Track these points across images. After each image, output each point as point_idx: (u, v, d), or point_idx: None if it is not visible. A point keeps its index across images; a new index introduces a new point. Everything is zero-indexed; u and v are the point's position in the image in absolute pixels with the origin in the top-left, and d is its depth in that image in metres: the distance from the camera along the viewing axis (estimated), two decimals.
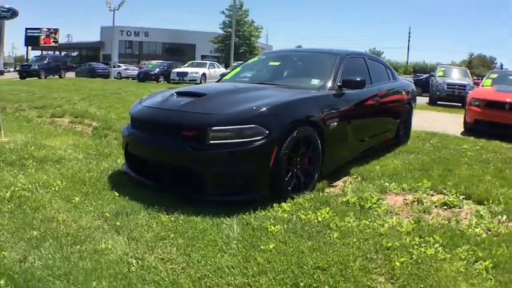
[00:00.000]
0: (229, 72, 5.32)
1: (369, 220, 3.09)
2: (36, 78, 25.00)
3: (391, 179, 4.17)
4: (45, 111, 8.72)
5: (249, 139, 3.12)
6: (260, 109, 3.35)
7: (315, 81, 4.37)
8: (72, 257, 2.44)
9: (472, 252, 2.62)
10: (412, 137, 6.57)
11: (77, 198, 3.40)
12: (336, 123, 3.99)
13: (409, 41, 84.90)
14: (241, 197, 3.23)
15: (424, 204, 3.55)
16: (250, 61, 5.80)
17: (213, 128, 3.14)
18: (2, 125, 5.73)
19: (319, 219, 3.07)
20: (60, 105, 9.53)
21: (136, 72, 28.86)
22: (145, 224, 2.93)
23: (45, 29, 37.39)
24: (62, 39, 47.61)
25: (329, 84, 4.25)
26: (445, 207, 3.51)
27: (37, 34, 37.73)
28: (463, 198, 3.72)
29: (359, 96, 4.56)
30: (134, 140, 3.80)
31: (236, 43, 41.39)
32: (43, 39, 36.22)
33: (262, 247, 2.59)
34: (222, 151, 3.14)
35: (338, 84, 4.25)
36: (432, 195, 3.83)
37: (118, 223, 2.93)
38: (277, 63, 5.13)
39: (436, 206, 3.52)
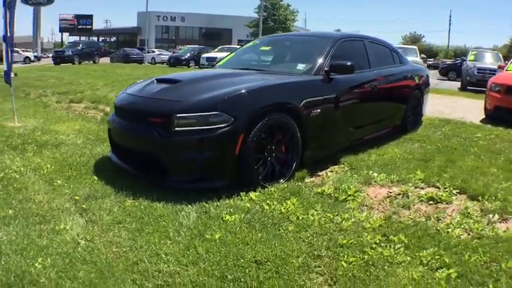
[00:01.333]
0: (224, 58, 5.22)
1: (335, 214, 2.85)
2: (70, 64, 25.43)
3: (382, 169, 3.85)
4: (65, 96, 8.94)
5: (213, 126, 3.05)
6: (225, 96, 3.25)
7: (300, 66, 4.13)
8: (32, 235, 2.55)
9: (438, 257, 2.30)
10: (425, 124, 6.13)
11: (59, 182, 3.49)
12: (320, 110, 3.76)
13: (450, 24, 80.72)
14: (205, 184, 3.16)
15: (409, 198, 3.22)
16: (245, 46, 5.57)
17: (178, 115, 3.10)
18: (17, 111, 6.03)
19: (282, 210, 2.89)
20: (82, 91, 9.76)
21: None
22: (108, 208, 2.96)
23: (79, 15, 38.58)
24: (100, 24, 49.37)
25: (315, 69, 4.00)
26: (431, 202, 3.16)
27: (70, 20, 38.99)
28: (456, 193, 3.34)
29: (352, 81, 4.26)
30: (114, 126, 3.83)
31: (271, 27, 41.05)
32: (76, 25, 37.45)
33: (208, 236, 2.51)
34: (187, 138, 3.10)
35: (325, 69, 3.98)
36: (422, 188, 3.47)
37: (84, 206, 2.99)
38: (267, 48, 4.98)
39: (420, 201, 3.18)
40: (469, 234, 2.67)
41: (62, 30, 42.47)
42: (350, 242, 2.46)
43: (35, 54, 35.41)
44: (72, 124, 5.96)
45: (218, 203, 3.01)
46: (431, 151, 4.65)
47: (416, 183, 3.58)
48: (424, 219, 2.84)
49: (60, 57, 26.33)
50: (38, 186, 3.40)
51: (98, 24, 47.25)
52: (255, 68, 4.37)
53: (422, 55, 18.60)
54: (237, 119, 3.11)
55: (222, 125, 3.06)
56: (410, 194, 3.35)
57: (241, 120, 3.12)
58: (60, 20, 37.52)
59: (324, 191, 3.33)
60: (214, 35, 52.93)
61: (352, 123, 4.39)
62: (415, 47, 17.61)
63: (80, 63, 26.42)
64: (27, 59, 32.72)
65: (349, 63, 3.95)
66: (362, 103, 4.51)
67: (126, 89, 4.24)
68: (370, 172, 3.81)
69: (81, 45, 28.86)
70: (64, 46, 31.52)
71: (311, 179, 3.71)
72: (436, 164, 4.10)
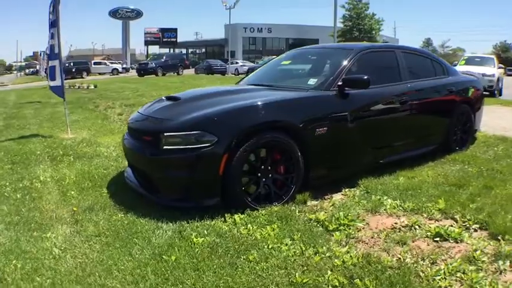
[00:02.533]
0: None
1: (310, 245, 2.57)
2: (154, 75, 26.57)
3: (400, 195, 3.43)
4: (130, 109, 9.48)
5: (196, 146, 3.01)
6: (209, 115, 3.18)
7: (312, 81, 3.86)
8: (22, 240, 2.74)
9: None
10: (478, 141, 5.40)
11: (72, 192, 3.67)
12: (327, 128, 3.47)
13: None
14: (191, 203, 3.11)
15: (415, 231, 2.81)
16: (275, 59, 5.41)
17: (165, 133, 3.10)
18: (77, 122, 6.67)
19: (258, 236, 2.70)
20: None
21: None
22: (97, 220, 3.03)
23: (163, 29, 41.11)
24: (190, 37, 52.47)
25: (326, 84, 3.71)
26: (437, 238, 2.70)
27: (155, 34, 41.69)
28: (475, 229, 2.84)
29: (372, 96, 3.88)
30: (124, 143, 3.93)
31: (357, 37, 39.96)
32: (161, 38, 39.87)
33: (165, 257, 2.44)
34: (173, 156, 3.07)
35: (338, 83, 3.67)
36: (437, 220, 3.01)
37: (79, 217, 3.11)
38: (287, 62, 4.77)
39: (426, 236, 2.74)
40: (461, 283, 2.21)
41: (147, 43, 45.77)
42: (305, 281, 2.19)
43: (124, 66, 38.37)
44: (118, 137, 5.99)
45: (198, 224, 2.91)
46: (471, 175, 4.03)
47: (432, 213, 3.12)
48: (413, 261, 2.42)
49: (143, 69, 28.12)
50: (52, 196, 3.61)
51: (188, 37, 50.66)
52: (270, 83, 4.20)
53: (500, 65, 16.50)
54: (220, 138, 3.01)
55: (205, 145, 3.00)
56: (418, 227, 2.91)
57: (225, 140, 3.01)
58: (145, 33, 40.76)
59: (317, 217, 3.03)
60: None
61: (372, 143, 3.98)
62: (493, 57, 16.04)
63: (163, 75, 27.66)
64: (115, 71, 35.69)
65: (365, 77, 3.59)
66: (387, 120, 4.08)
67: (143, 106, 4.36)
68: (384, 198, 3.42)
69: (164, 58, 30.49)
70: (148, 59, 33.91)
71: (313, 203, 3.42)
72: (468, 191, 3.54)
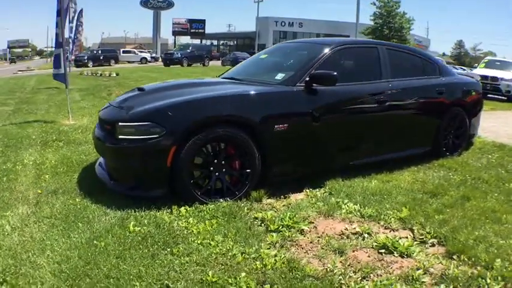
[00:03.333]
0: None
1: (239, 245, 2.40)
2: (179, 65, 26.85)
3: (364, 199, 3.17)
4: None
5: (146, 136, 2.96)
6: (160, 107, 3.11)
7: (279, 76, 3.62)
8: None
9: None
10: (474, 147, 5.02)
11: (46, 176, 3.69)
12: (289, 125, 3.27)
13: None
14: (142, 193, 3.04)
15: (362, 240, 2.56)
16: (258, 53, 5.20)
17: (120, 123, 3.09)
18: (83, 109, 6.74)
19: (194, 231, 2.59)
20: None
21: None
22: (54, 203, 3.02)
23: (192, 20, 40.95)
24: (223, 28, 52.19)
25: (293, 79, 3.48)
26: (383, 250, 2.43)
27: (183, 24, 41.59)
28: (433, 243, 2.55)
29: (343, 93, 3.63)
30: (93, 133, 3.83)
31: (387, 35, 38.78)
32: (189, 29, 39.70)
33: (96, 242, 2.42)
34: (124, 146, 3.05)
35: (305, 79, 3.43)
36: (392, 230, 2.73)
37: (41, 199, 3.13)
38: (265, 56, 4.56)
39: (372, 247, 2.47)
40: None
41: (174, 33, 45.83)
42: (215, 280, 2.06)
43: (153, 55, 38.80)
44: None
45: (144, 213, 2.83)
46: (452, 183, 3.69)
47: (389, 222, 2.84)
48: (341, 272, 2.17)
49: (169, 59, 28.44)
50: (26, 179, 3.63)
51: (221, 28, 50.44)
52: (243, 77, 3.98)
53: None
54: (168, 130, 2.95)
55: (154, 136, 2.95)
56: (367, 235, 2.65)
57: (174, 132, 2.95)
58: (173, 23, 40.81)
59: (263, 216, 2.84)
60: None
61: (342, 143, 3.72)
62: None
63: (189, 65, 27.92)
64: (143, 60, 36.14)
65: (332, 73, 3.36)
66: (360, 120, 3.80)
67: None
68: (345, 201, 3.16)
69: (190, 48, 30.70)
70: (174, 49, 34.13)
71: (268, 201, 3.20)
72: (441, 201, 3.23)
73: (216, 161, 3.10)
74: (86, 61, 27.55)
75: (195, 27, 44.32)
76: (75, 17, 12.38)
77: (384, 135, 4.00)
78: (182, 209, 2.92)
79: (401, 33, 39.79)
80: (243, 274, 2.10)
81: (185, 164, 2.96)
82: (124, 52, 38.50)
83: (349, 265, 2.27)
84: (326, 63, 3.60)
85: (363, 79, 3.87)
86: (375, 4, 40.03)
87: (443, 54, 62.45)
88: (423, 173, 4.01)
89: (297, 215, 2.87)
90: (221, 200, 3.07)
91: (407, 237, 2.65)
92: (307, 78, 3.43)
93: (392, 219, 2.88)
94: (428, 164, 4.28)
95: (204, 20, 40.07)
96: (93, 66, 26.86)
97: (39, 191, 3.29)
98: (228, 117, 3.13)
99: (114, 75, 17.11)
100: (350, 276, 2.15)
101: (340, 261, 2.31)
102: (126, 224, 2.67)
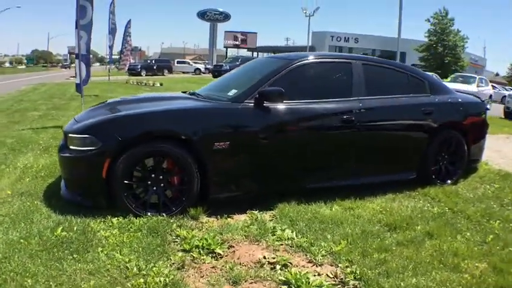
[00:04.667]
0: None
1: (141, 261, 2.33)
2: None
3: (307, 227, 2.86)
4: None
5: (86, 148, 3.03)
6: (99, 121, 3.17)
7: (232, 92, 3.44)
8: None
9: None
10: (475, 175, 4.42)
11: (27, 180, 3.77)
12: (232, 143, 3.10)
13: None
14: (85, 202, 3.06)
15: (272, 272, 2.28)
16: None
17: (69, 135, 3.19)
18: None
19: (110, 241, 2.55)
20: None
21: None
22: (14, 204, 3.14)
23: (243, 33, 41.24)
24: (281, 42, 51.55)
25: (243, 95, 3.30)
26: (285, 286, 2.14)
27: (235, 36, 41.88)
28: (353, 286, 2.19)
29: (299, 111, 3.38)
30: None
31: (441, 52, 36.93)
32: (240, 42, 39.92)
33: (22, 241, 2.50)
34: (71, 156, 3.11)
35: (255, 96, 3.23)
36: (315, 264, 2.41)
37: (8, 199, 3.26)
38: (236, 72, 4.40)
39: (274, 281, 2.19)
40: None
41: (226, 45, 46.58)
42: None
43: (207, 66, 39.57)
44: None
45: (80, 220, 2.85)
46: (425, 216, 3.23)
47: (317, 255, 2.51)
48: None
49: (217, 71, 28.74)
50: (8, 180, 3.77)
51: (279, 42, 49.93)
52: (204, 92, 3.85)
53: None
54: (104, 143, 2.97)
55: (92, 148, 2.99)
56: (282, 267, 2.36)
57: (109, 145, 2.96)
58: (225, 36, 41.46)
59: (185, 235, 2.68)
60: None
61: (296, 164, 3.42)
62: None
63: None
64: (197, 70, 36.94)
65: (279, 90, 3.17)
66: (320, 140, 3.48)
67: None
68: (284, 227, 2.88)
69: (240, 61, 30.90)
70: (224, 61, 34.55)
71: (205, 219, 3.01)
72: (397, 237, 2.81)
73: (153, 175, 3.04)
74: (139, 70, 28.69)
75: (246, 40, 44.92)
76: (112, 28, 12.87)
77: (351, 159, 3.62)
78: (115, 219, 2.88)
79: (455, 51, 37.75)
80: None
81: (119, 177, 2.93)
82: (178, 62, 39.89)
83: None
84: (283, 79, 3.37)
85: (327, 96, 3.53)
86: (429, 21, 38.31)
87: (497, 75, 57.85)
88: (398, 201, 3.56)
89: (219, 237, 2.66)
90: (157, 214, 2.95)
91: (326, 275, 2.30)
92: (257, 95, 3.23)
93: (323, 252, 2.55)
94: (411, 191, 3.82)
95: (256, 33, 40.47)
96: (146, 75, 27.98)
97: (9, 192, 3.41)
98: (164, 132, 3.07)
99: (158, 85, 17.66)
100: None
101: None
102: (57, 228, 2.69)
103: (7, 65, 46.50)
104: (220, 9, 38.81)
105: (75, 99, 11.82)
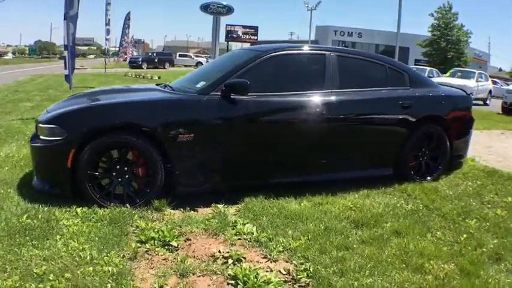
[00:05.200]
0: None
1: (95, 250, 2.32)
2: None
3: (270, 222, 2.79)
4: None
5: (52, 138, 3.02)
6: (65, 112, 3.15)
7: (200, 84, 3.37)
8: None
9: None
10: (459, 172, 4.29)
11: (6, 168, 3.77)
12: (196, 135, 3.04)
13: None
14: (54, 191, 3.05)
15: (226, 266, 2.22)
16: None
17: (39, 125, 3.18)
18: None
19: (70, 230, 2.55)
20: None
21: None
22: None
23: (245, 26, 40.87)
24: (285, 36, 50.81)
25: (208, 88, 3.24)
26: (232, 281, 2.07)
27: (236, 30, 41.52)
28: (304, 284, 2.11)
29: (267, 104, 3.30)
30: None
31: (444, 47, 36.45)
32: (241, 36, 39.50)
33: None
34: (40, 145, 3.10)
35: (222, 88, 3.15)
36: (271, 260, 2.33)
37: None
38: (208, 63, 4.34)
39: (223, 275, 2.13)
40: None
41: (227, 39, 46.11)
42: (40, 273, 2.06)
43: (208, 59, 39.45)
44: None
45: (45, 209, 2.84)
46: (397, 214, 3.13)
47: (273, 250, 2.44)
48: None
49: (135, 63, 27.70)
50: None
51: (283, 36, 48.93)
52: (179, 85, 3.74)
53: None
54: (69, 134, 2.96)
55: (58, 138, 2.99)
56: (236, 261, 2.29)
57: (73, 136, 2.95)
58: (226, 30, 41.21)
59: (144, 226, 2.64)
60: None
61: (263, 158, 3.35)
62: None
63: None
64: (199, 64, 36.80)
65: (244, 82, 3.10)
66: (289, 134, 3.39)
67: None
68: (245, 221, 2.82)
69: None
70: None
71: (168, 211, 2.96)
72: (362, 235, 2.72)
73: (118, 166, 3.01)
74: (141, 63, 28.49)
75: (247, 33, 44.56)
76: (109, 20, 12.78)
77: (323, 153, 3.51)
78: (79, 209, 2.86)
79: (458, 46, 37.21)
80: (68, 275, 2.05)
81: (82, 167, 2.91)
82: (180, 56, 39.70)
83: None
84: (252, 71, 3.29)
85: (298, 89, 3.43)
86: (433, 15, 37.74)
87: (500, 70, 57.11)
88: (371, 198, 3.46)
89: (177, 230, 2.62)
90: (121, 205, 2.93)
91: (279, 271, 2.23)
92: (223, 87, 3.15)
93: (280, 248, 2.47)
94: (388, 187, 3.72)
95: (257, 26, 39.97)
96: (147, 68, 27.81)
97: None
98: (126, 124, 3.01)
99: (156, 78, 17.54)
100: None
101: (170, 285, 2.03)
102: (23, 215, 2.70)
103: (10, 55, 46.49)
104: (224, 3, 38.61)
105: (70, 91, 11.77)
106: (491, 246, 2.69)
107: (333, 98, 3.46)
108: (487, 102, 16.40)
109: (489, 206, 3.50)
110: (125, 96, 3.44)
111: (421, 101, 3.91)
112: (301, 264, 2.28)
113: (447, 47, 36.43)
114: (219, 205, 3.09)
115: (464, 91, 4.61)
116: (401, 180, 3.84)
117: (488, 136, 7.26)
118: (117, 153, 3.00)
